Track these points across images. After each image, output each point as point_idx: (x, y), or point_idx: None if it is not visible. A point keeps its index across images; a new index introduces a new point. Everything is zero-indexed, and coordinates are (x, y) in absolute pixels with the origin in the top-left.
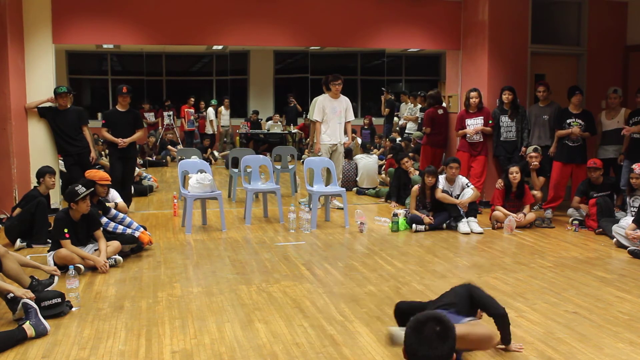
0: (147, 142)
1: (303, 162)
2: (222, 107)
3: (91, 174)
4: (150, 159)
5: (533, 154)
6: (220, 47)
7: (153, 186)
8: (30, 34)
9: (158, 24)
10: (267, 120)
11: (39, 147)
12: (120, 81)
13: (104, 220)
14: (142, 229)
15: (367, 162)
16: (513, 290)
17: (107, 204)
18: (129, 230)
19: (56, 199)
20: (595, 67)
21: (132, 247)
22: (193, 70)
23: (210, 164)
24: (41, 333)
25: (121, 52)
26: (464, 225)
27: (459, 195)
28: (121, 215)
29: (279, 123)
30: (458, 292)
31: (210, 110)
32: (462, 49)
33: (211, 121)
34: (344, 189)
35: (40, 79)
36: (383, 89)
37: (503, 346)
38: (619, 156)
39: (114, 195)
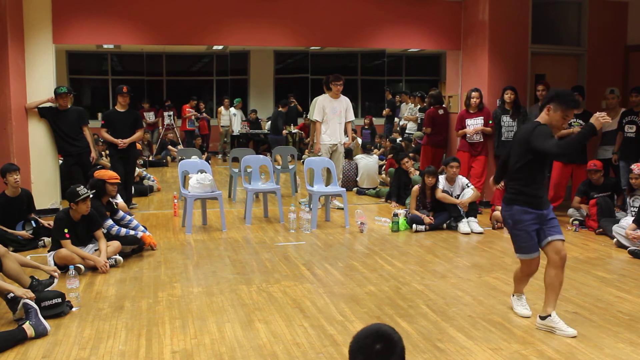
0: (141, 140)
1: (303, 162)
2: (222, 107)
3: (100, 173)
4: (145, 157)
5: None
6: (220, 47)
7: (154, 186)
8: (31, 34)
9: (158, 24)
10: (268, 120)
11: (39, 147)
12: (121, 81)
13: (110, 222)
14: (147, 233)
15: (368, 162)
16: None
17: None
18: (132, 232)
19: (56, 199)
20: (595, 67)
21: (133, 248)
22: (193, 70)
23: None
24: (41, 333)
25: (121, 52)
26: (464, 226)
27: (459, 195)
28: (128, 217)
29: None
30: None
31: (232, 109)
32: (463, 49)
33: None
34: (344, 189)
35: (41, 79)
36: (386, 88)
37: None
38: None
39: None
